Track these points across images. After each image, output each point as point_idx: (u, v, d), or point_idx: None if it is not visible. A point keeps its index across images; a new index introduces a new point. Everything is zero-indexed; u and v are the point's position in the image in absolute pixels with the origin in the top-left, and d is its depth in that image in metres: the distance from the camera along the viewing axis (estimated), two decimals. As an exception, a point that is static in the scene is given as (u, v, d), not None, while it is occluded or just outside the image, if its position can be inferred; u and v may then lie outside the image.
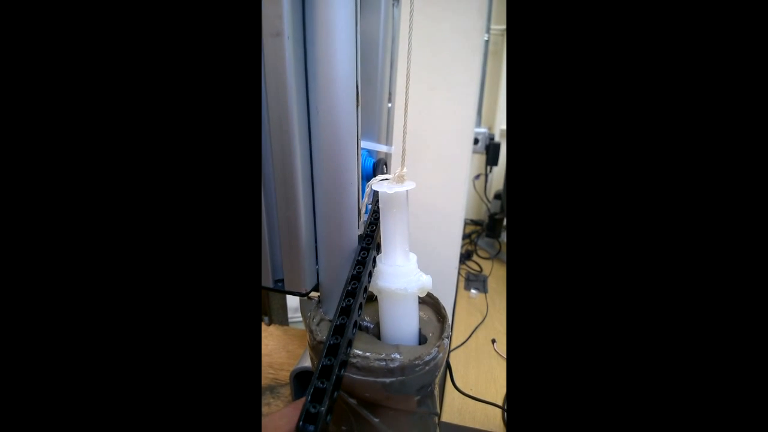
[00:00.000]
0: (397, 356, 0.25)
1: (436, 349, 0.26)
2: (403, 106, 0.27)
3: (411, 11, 0.25)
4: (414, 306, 0.28)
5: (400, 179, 0.26)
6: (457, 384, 0.44)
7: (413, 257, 0.28)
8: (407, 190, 0.26)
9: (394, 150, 0.35)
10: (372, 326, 0.30)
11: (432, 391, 0.28)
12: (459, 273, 0.97)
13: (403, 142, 0.27)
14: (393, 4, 0.31)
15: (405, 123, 0.27)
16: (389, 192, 0.25)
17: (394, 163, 0.30)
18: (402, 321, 0.28)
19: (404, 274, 0.26)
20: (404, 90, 0.27)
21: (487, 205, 1.21)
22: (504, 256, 1.10)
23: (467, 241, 1.20)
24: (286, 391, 0.48)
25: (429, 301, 0.32)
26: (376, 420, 0.25)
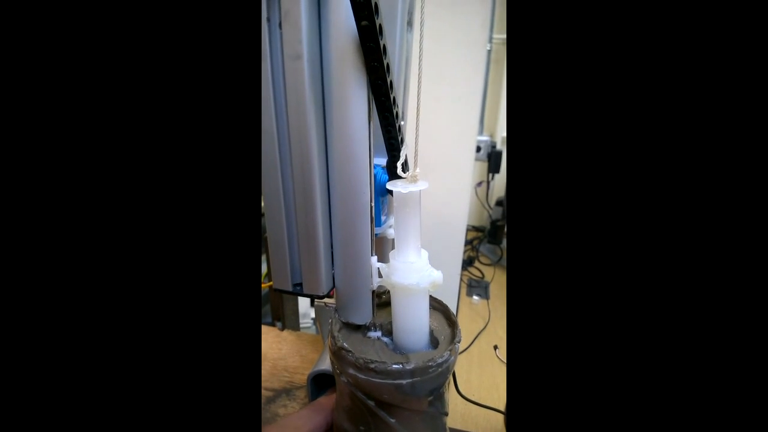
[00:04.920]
0: (411, 360, 0.26)
1: (448, 352, 0.27)
2: (415, 109, 0.28)
3: (420, 38, 0.27)
4: (425, 301, 0.29)
5: (414, 179, 0.27)
6: (460, 389, 0.44)
7: (425, 254, 0.29)
8: (420, 190, 0.27)
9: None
10: (386, 339, 0.31)
11: (442, 393, 0.29)
12: (461, 279, 0.98)
13: (416, 144, 0.28)
14: (407, 30, 0.33)
15: (417, 126, 0.28)
16: (403, 191, 0.26)
17: (407, 158, 0.31)
18: (414, 315, 0.29)
19: (417, 270, 0.28)
20: (416, 96, 0.28)
21: (488, 212, 1.22)
22: (506, 262, 1.11)
23: (469, 247, 1.20)
24: (302, 394, 0.49)
25: (438, 308, 0.34)
26: (393, 420, 0.27)
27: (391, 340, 0.30)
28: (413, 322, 0.29)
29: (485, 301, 0.93)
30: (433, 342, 0.30)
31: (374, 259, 0.29)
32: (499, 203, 1.19)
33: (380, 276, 0.29)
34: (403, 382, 0.25)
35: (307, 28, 0.24)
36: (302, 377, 0.53)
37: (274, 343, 0.61)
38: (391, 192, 0.33)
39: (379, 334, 0.31)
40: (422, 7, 0.28)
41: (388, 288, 0.29)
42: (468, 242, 1.21)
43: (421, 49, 0.27)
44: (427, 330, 0.30)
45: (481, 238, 1.26)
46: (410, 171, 0.27)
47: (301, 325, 0.76)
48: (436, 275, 0.28)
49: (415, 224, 0.28)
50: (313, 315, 0.98)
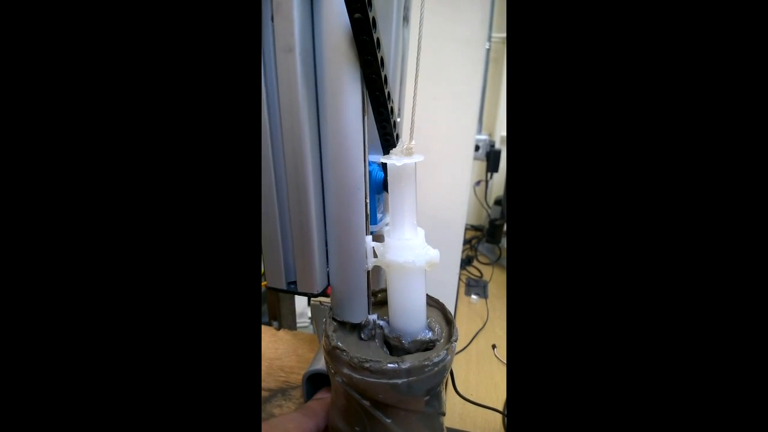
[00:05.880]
0: (407, 359, 0.25)
1: (445, 351, 0.26)
2: (414, 73, 0.27)
3: (419, 35, 0.26)
4: (422, 280, 0.28)
5: (409, 152, 0.26)
6: (458, 389, 0.44)
7: (421, 232, 0.28)
8: (415, 163, 0.26)
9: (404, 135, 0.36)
10: (382, 322, 0.30)
11: (439, 393, 0.29)
12: (459, 278, 0.98)
13: (413, 114, 0.27)
14: (403, 25, 0.32)
15: (415, 93, 0.27)
16: (398, 164, 0.25)
17: (403, 137, 0.30)
18: (411, 295, 0.28)
19: (412, 247, 0.27)
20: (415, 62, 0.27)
21: (487, 211, 1.22)
22: (504, 261, 1.11)
23: (468, 246, 1.20)
24: (297, 393, 0.49)
25: (435, 306, 0.33)
26: (389, 421, 0.26)
27: (387, 323, 0.30)
28: (410, 302, 0.28)
29: (484, 301, 0.93)
30: (431, 327, 0.30)
31: (369, 238, 0.28)
32: (497, 202, 1.19)
33: (375, 256, 0.29)
34: (399, 381, 0.25)
35: (299, 20, 0.24)
36: (298, 377, 0.52)
37: (270, 342, 0.61)
38: (386, 189, 0.33)
39: (375, 317, 0.30)
40: (422, 3, 0.28)
41: (383, 267, 0.28)
42: (466, 241, 1.21)
43: (419, 46, 0.27)
44: (424, 311, 0.29)
45: (479, 238, 1.26)
46: (405, 143, 0.26)
47: (297, 325, 0.76)
48: (433, 253, 0.27)
49: (411, 200, 0.27)
50: (309, 314, 0.98)
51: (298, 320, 0.76)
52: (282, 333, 0.64)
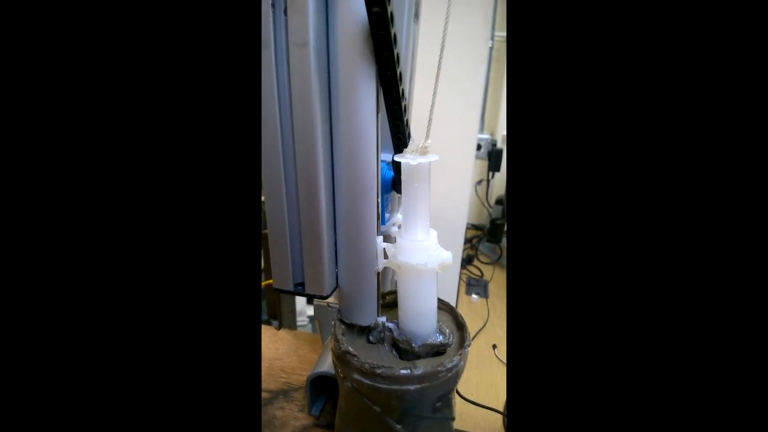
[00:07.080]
0: (420, 365, 0.25)
1: (458, 357, 0.26)
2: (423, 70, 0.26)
3: (444, 34, 0.25)
4: (434, 282, 0.28)
5: (424, 151, 0.25)
6: (459, 389, 0.44)
7: (434, 233, 0.28)
8: (430, 162, 0.25)
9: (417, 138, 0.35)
10: (391, 325, 0.30)
11: (450, 398, 0.28)
12: (460, 278, 0.97)
13: (431, 112, 0.26)
14: (413, 22, 0.32)
15: (435, 91, 0.26)
16: (412, 163, 0.25)
17: (417, 136, 0.30)
18: (422, 297, 0.28)
19: (425, 248, 0.26)
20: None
21: (488, 210, 1.21)
22: (505, 261, 1.11)
23: (468, 245, 1.20)
24: (300, 395, 0.48)
25: (445, 309, 0.33)
26: (399, 426, 0.26)
27: (397, 325, 0.29)
28: (421, 305, 0.28)
29: (484, 300, 0.92)
30: (441, 330, 0.29)
31: (380, 239, 0.28)
32: (498, 202, 1.19)
33: (386, 257, 0.28)
34: (411, 387, 0.24)
35: (314, 14, 0.23)
36: (300, 378, 0.52)
37: (270, 342, 0.60)
38: (398, 190, 0.32)
39: (384, 319, 0.30)
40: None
41: (395, 268, 0.27)
42: (467, 240, 1.20)
43: (445, 33, 0.26)
44: (435, 314, 0.29)
45: (480, 237, 1.25)
46: (421, 142, 0.25)
47: (297, 324, 0.75)
48: (446, 255, 0.27)
49: (424, 200, 0.26)
50: (309, 313, 0.97)
51: (297, 319, 0.75)
52: (282, 333, 0.63)
